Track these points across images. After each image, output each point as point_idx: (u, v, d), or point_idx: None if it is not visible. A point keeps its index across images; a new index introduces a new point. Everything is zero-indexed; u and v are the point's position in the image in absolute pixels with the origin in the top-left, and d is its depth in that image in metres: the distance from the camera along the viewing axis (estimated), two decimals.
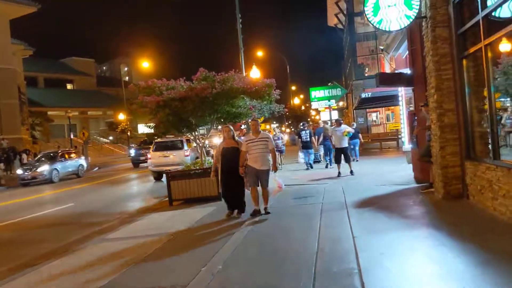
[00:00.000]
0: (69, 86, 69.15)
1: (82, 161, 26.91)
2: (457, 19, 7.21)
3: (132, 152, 31.26)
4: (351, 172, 13.21)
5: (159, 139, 17.32)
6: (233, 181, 8.19)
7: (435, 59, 7.55)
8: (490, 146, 6.24)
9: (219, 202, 10.18)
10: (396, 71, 13.53)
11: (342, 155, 13.56)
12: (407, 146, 13.77)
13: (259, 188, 8.21)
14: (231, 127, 8.63)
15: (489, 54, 6.02)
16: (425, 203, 7.80)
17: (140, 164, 27.47)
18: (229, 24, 20.37)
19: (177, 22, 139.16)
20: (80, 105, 58.56)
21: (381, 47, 15.95)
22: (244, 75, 17.82)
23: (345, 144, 13.74)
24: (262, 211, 8.17)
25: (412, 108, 12.29)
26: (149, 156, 19.68)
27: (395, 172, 12.68)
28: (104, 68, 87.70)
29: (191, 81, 11.44)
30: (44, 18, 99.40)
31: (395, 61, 14.94)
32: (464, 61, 7.18)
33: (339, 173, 13.19)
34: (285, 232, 6.83)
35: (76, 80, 69.25)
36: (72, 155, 26.08)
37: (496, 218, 5.93)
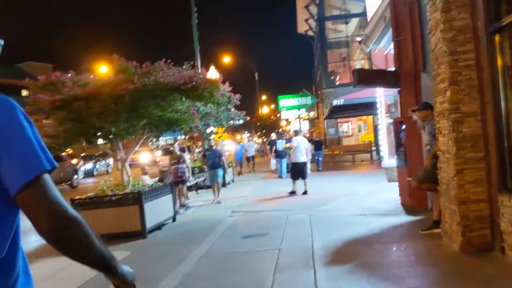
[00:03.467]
0: (24, 93, 64.70)
1: None
2: None
3: None
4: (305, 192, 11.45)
5: None
6: None
7: (448, 36, 4.90)
8: None
9: (141, 241, 7.78)
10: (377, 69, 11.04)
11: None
12: (387, 161, 11.47)
13: None
14: None
15: None
16: (434, 260, 4.94)
17: None
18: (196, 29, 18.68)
19: (146, 28, 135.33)
20: (34, 112, 54.64)
21: (358, 39, 13.50)
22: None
23: (299, 159, 11.72)
24: None
25: (396, 115, 9.87)
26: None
27: (375, 193, 10.33)
28: (69, 74, 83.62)
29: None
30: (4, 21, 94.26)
31: (374, 58, 12.45)
32: (497, 37, 4.58)
33: (293, 191, 11.62)
34: None
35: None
36: None
37: None
